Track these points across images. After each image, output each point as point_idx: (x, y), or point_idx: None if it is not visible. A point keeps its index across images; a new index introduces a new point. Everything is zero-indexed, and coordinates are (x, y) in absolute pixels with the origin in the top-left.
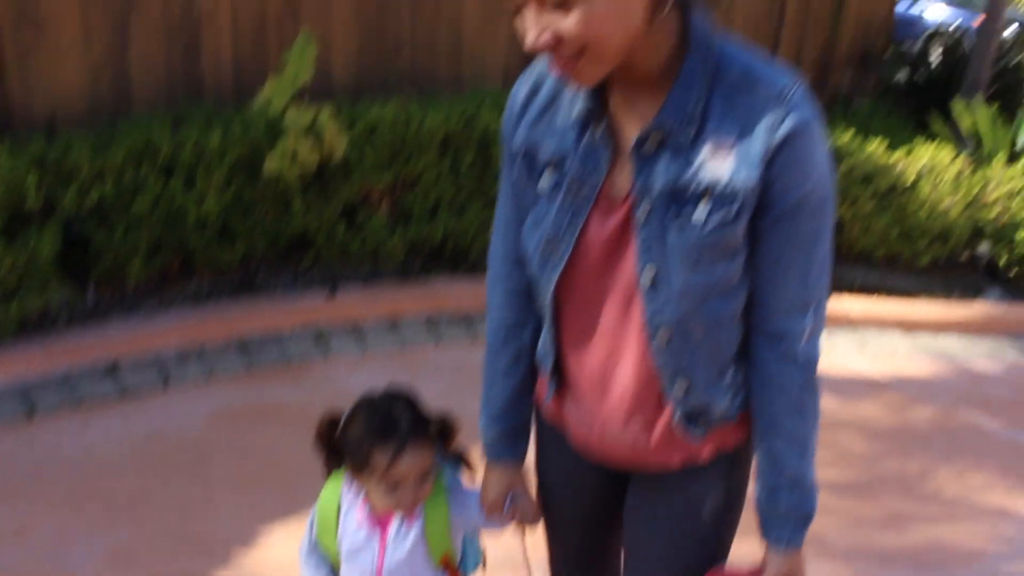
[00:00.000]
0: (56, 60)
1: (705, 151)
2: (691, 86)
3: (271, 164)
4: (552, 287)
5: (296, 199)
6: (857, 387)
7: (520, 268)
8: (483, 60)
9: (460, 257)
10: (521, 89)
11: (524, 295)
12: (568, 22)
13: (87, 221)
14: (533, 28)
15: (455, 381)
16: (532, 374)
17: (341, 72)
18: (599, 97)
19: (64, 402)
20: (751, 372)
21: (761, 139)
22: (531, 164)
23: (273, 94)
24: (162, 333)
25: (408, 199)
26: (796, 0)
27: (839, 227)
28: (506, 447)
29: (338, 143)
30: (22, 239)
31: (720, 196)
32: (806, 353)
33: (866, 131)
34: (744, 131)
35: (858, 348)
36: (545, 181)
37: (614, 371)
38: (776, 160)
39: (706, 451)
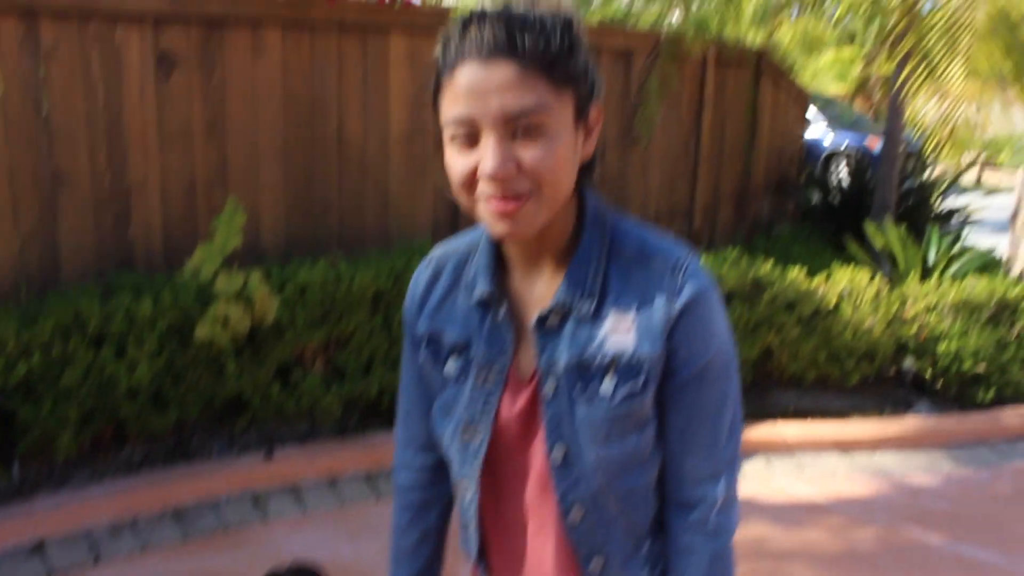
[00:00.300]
0: None
1: (607, 325)
2: (589, 262)
3: (202, 331)
4: (477, 473)
5: (229, 362)
6: (799, 512)
7: (425, 452)
8: (411, 215)
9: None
10: (422, 276)
11: (430, 478)
12: (532, 153)
13: (12, 395)
14: (499, 154)
15: None
16: (438, 555)
17: (270, 236)
18: (498, 280)
19: None
20: (666, 541)
21: (661, 310)
22: (436, 349)
23: (203, 261)
24: (93, 506)
25: (342, 356)
26: (710, 135)
27: (768, 354)
28: None
29: (269, 306)
30: None
31: (626, 368)
32: (718, 523)
33: (787, 256)
34: (643, 303)
35: (796, 472)
36: (451, 366)
37: (538, 551)
38: (677, 329)
39: None
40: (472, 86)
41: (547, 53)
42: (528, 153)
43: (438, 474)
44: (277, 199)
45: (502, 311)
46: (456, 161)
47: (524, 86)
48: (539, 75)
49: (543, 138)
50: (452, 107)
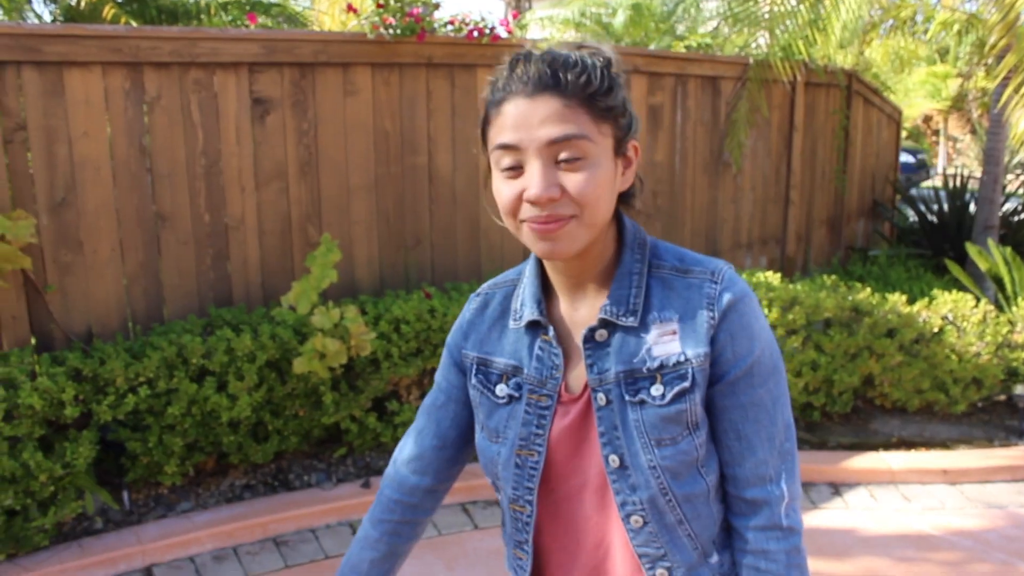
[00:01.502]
0: (93, 276)
1: (652, 335)
2: (630, 280)
3: (300, 365)
4: (535, 493)
5: (327, 395)
6: (909, 545)
7: (421, 476)
8: (501, 247)
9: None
10: (471, 306)
11: (417, 502)
12: (575, 179)
13: (122, 428)
14: (544, 178)
15: (494, 565)
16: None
17: (363, 270)
18: (543, 306)
19: None
20: (735, 547)
21: (703, 314)
22: (487, 374)
23: (299, 296)
24: (197, 534)
25: None
26: (801, 159)
27: (869, 381)
28: None
29: (364, 340)
30: (59, 449)
31: (673, 371)
32: (788, 522)
33: (885, 280)
34: (686, 312)
35: (903, 503)
36: (502, 389)
37: (600, 564)
38: (720, 331)
39: None
40: (518, 117)
41: (588, 88)
42: (571, 179)
43: (425, 501)
44: (370, 234)
45: (551, 331)
46: (503, 188)
47: (567, 117)
48: (581, 108)
49: (585, 165)
50: (499, 135)
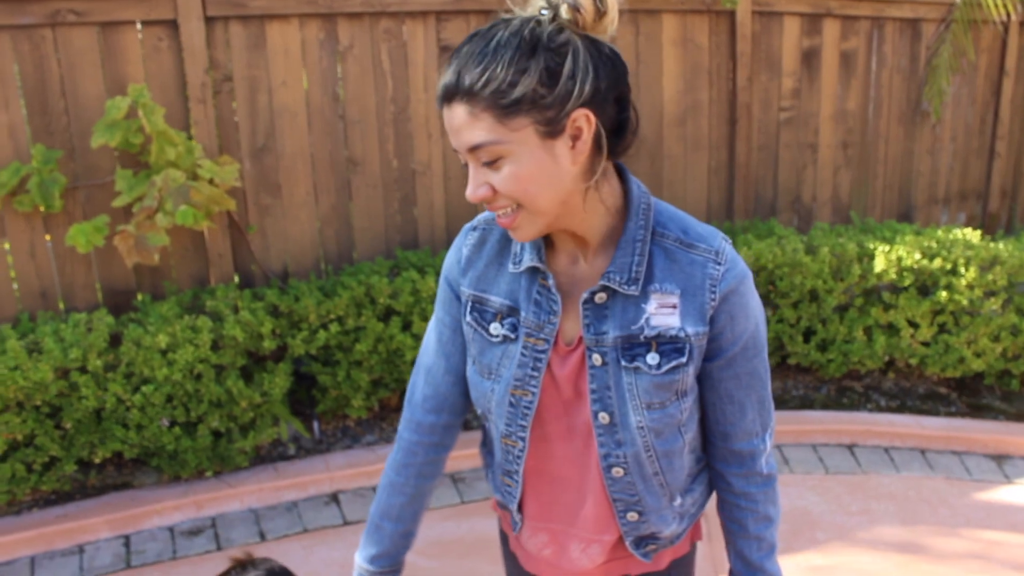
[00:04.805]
0: (289, 218)
1: (652, 305)
2: (634, 247)
3: None
4: (528, 430)
5: None
6: None
7: (437, 414)
8: (683, 196)
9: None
10: (467, 239)
11: (438, 440)
12: (498, 177)
13: (314, 362)
14: (473, 181)
15: None
16: (419, 519)
17: None
18: (544, 252)
19: (291, 529)
20: (719, 488)
21: (705, 296)
22: (482, 312)
23: None
24: (380, 465)
25: None
26: (1011, 108)
27: None
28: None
29: None
30: (257, 379)
31: (670, 344)
32: (768, 468)
33: None
34: (687, 288)
35: None
36: (497, 328)
37: (578, 503)
38: (721, 311)
39: (651, 565)
40: (447, 124)
41: (488, 88)
42: (495, 178)
43: (445, 438)
44: None
45: (550, 279)
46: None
47: (473, 124)
48: (486, 111)
49: (504, 163)
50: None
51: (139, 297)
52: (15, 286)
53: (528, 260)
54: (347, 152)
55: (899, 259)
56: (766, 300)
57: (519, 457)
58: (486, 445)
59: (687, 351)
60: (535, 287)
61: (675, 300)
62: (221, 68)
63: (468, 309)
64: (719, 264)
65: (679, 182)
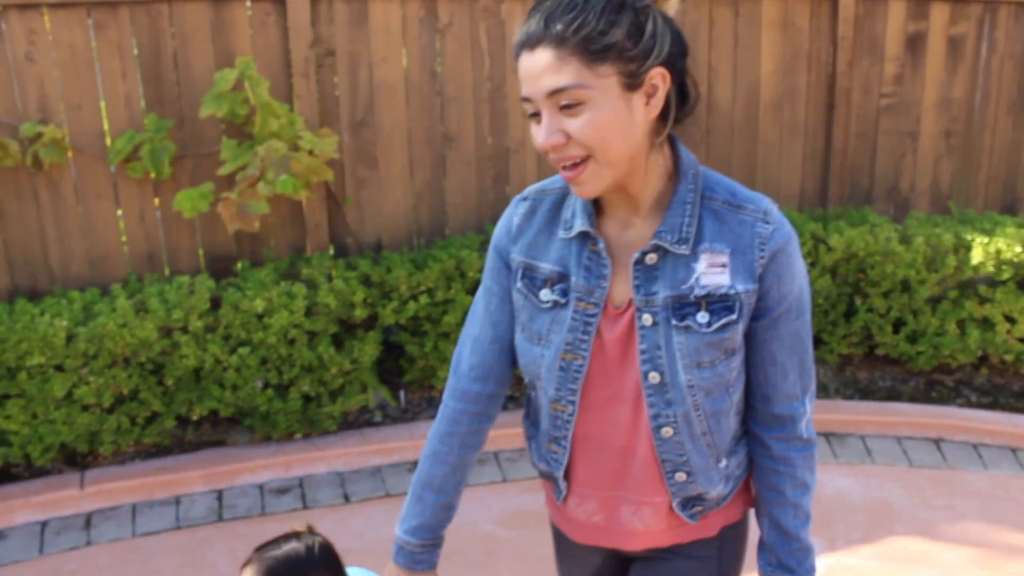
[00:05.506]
0: (385, 191)
1: (702, 264)
2: (684, 209)
3: None
4: (578, 395)
5: None
6: None
7: (483, 383)
8: (777, 183)
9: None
10: (518, 209)
11: (483, 410)
12: (576, 123)
13: (402, 332)
14: (546, 128)
15: None
16: (461, 489)
17: None
18: (595, 218)
19: (374, 493)
20: (757, 453)
21: (755, 254)
22: (532, 278)
23: None
24: None
25: None
26: None
27: None
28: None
29: None
30: (348, 346)
31: (720, 302)
32: (808, 432)
33: None
34: (737, 247)
35: None
36: (546, 294)
37: (626, 466)
38: (769, 270)
39: (701, 531)
40: (524, 71)
41: (579, 33)
42: (573, 124)
43: (489, 407)
44: None
45: (600, 243)
46: (533, 134)
47: (559, 68)
48: (574, 55)
49: (584, 109)
50: (521, 88)
51: (239, 263)
52: (125, 249)
53: (580, 225)
54: (443, 128)
55: (998, 251)
56: (856, 289)
57: (568, 422)
58: (529, 416)
59: (737, 308)
60: (585, 252)
61: (725, 259)
62: (324, 44)
63: (519, 276)
64: (768, 223)
65: (773, 167)
